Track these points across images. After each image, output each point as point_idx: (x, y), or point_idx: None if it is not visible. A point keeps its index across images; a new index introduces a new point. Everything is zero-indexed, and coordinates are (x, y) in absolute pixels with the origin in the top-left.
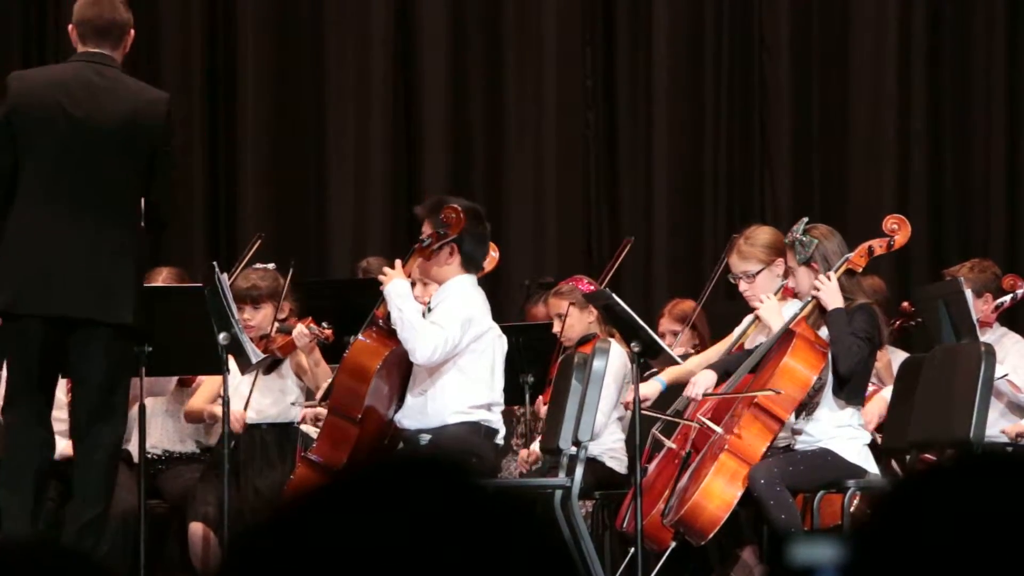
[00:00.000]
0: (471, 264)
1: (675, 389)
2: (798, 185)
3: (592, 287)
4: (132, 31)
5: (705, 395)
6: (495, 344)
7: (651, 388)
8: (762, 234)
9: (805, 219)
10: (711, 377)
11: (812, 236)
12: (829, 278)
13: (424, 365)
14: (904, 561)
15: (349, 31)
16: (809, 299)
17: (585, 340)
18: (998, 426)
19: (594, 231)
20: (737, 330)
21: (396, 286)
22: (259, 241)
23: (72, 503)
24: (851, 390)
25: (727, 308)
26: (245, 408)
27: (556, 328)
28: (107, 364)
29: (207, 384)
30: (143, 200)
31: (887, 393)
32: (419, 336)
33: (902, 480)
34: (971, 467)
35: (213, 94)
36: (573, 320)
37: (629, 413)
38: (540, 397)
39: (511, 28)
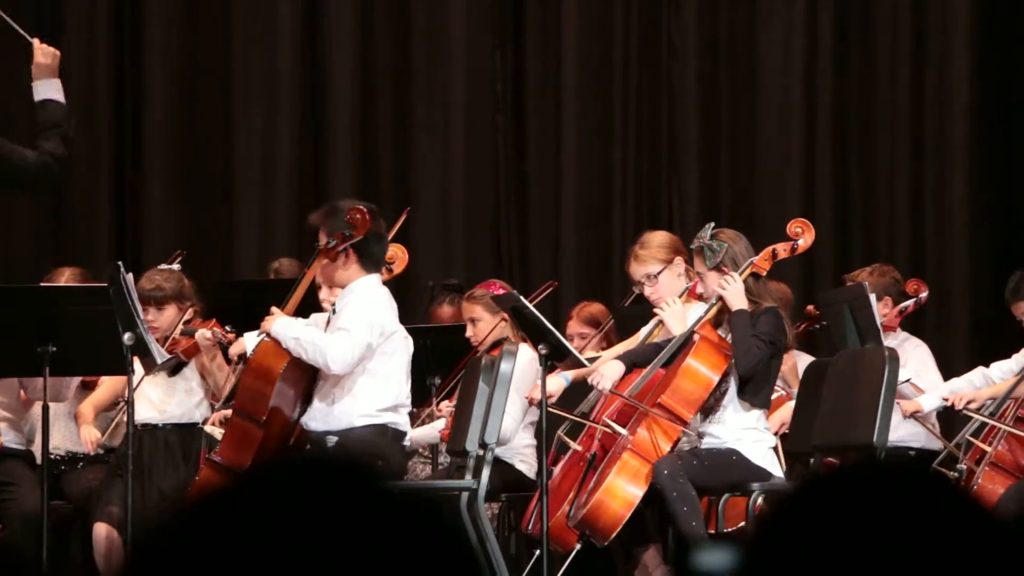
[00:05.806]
0: (372, 264)
1: (582, 389)
2: (705, 188)
3: (504, 291)
4: None
5: (612, 392)
6: (402, 346)
7: (555, 384)
8: (655, 237)
9: (712, 224)
10: (619, 368)
11: (720, 240)
12: (735, 279)
13: (343, 374)
14: (802, 565)
15: (256, 31)
16: (714, 301)
17: (497, 344)
18: (901, 429)
19: (503, 233)
20: (643, 331)
21: (280, 326)
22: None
23: None
24: (756, 393)
25: (634, 311)
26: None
27: (469, 332)
28: None
29: (107, 385)
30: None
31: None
32: (328, 350)
33: (802, 484)
34: (872, 472)
35: (120, 91)
36: (486, 324)
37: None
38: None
39: (420, 30)
